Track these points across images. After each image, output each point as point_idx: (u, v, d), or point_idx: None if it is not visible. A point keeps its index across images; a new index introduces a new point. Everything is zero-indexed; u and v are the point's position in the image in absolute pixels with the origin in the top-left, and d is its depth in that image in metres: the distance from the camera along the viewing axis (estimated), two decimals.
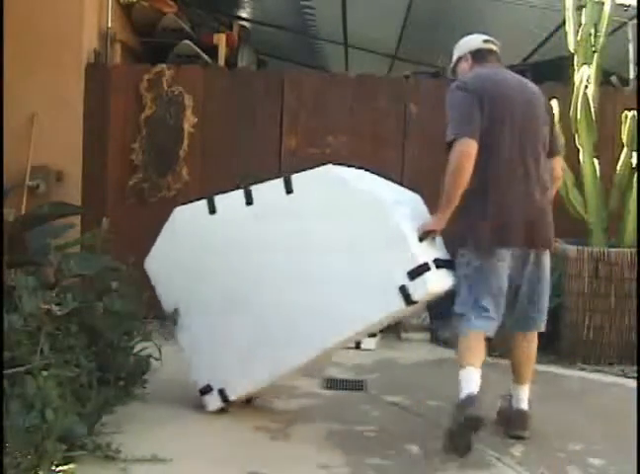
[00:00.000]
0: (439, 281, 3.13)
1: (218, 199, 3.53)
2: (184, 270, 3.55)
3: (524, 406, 3.34)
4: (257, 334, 3.34)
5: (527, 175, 3.20)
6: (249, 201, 3.46)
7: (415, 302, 3.05)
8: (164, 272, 3.59)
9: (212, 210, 3.52)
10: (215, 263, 3.49)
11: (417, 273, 3.01)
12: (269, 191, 3.46)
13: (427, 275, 3.02)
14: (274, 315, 3.30)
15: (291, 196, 3.36)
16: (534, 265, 3.26)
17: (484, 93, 3.18)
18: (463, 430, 2.92)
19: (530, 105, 3.29)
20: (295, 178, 3.38)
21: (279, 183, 3.41)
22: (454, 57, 3.53)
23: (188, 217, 3.59)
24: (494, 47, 3.45)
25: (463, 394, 3.00)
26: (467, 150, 3.08)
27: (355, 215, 3.20)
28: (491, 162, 3.14)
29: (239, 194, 3.49)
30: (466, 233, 3.18)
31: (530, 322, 3.34)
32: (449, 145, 3.15)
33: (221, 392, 3.40)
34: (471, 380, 3.04)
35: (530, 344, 3.39)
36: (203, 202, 3.54)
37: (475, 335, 3.14)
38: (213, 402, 3.44)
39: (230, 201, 3.51)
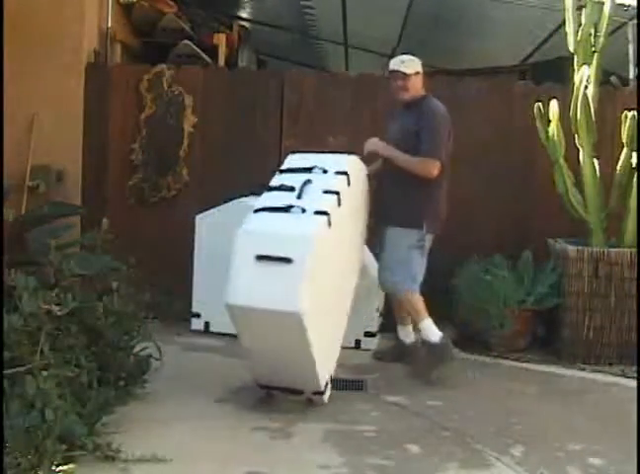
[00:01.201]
0: None
1: (330, 211, 3.47)
2: None
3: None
4: (340, 325, 3.76)
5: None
6: (340, 203, 3.57)
7: None
8: None
9: (330, 222, 3.44)
10: (328, 273, 3.46)
11: None
12: (345, 188, 3.67)
13: None
14: (348, 303, 3.82)
15: (350, 188, 3.74)
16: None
17: (448, 119, 4.13)
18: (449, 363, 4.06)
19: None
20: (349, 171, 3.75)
21: (343, 178, 3.70)
22: (416, 68, 4.12)
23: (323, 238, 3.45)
24: None
25: (438, 337, 4.06)
26: (435, 173, 4.00)
27: (362, 183, 4.08)
28: (443, 173, 4.08)
29: (333, 198, 3.53)
30: (424, 220, 4.07)
31: None
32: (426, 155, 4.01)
33: (327, 383, 3.59)
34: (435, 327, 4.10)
35: None
36: (323, 218, 3.42)
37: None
38: (326, 397, 3.59)
39: (335, 208, 3.52)
